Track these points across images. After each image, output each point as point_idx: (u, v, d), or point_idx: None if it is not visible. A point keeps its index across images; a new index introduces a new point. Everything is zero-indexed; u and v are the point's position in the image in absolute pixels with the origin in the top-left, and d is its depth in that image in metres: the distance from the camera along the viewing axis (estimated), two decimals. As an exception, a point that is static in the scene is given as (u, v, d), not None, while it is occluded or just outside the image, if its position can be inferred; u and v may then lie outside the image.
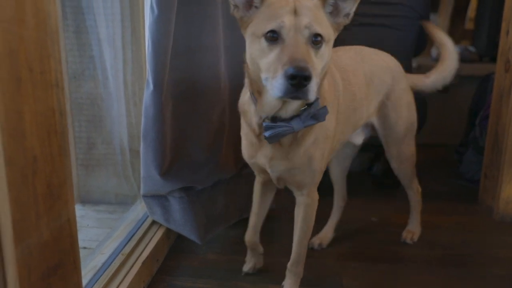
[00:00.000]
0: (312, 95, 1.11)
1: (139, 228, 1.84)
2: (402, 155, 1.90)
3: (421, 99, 2.78)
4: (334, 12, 1.29)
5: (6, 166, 0.81)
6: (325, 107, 1.30)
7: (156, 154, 1.66)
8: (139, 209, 1.97)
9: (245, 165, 1.65)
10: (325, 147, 1.45)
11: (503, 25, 2.34)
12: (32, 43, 0.87)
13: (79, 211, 2.10)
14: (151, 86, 1.58)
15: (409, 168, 1.95)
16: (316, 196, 1.53)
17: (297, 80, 1.07)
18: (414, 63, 3.38)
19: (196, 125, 1.80)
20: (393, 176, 2.04)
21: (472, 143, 2.86)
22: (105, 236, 1.79)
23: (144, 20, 1.92)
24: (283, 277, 1.64)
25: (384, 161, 2.00)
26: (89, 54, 1.98)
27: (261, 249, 1.76)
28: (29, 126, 0.87)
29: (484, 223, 2.32)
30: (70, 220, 1.04)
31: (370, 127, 1.87)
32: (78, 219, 1.14)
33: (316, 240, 1.99)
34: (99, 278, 1.48)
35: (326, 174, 1.86)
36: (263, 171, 1.52)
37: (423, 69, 2.74)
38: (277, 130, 1.28)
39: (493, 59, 2.83)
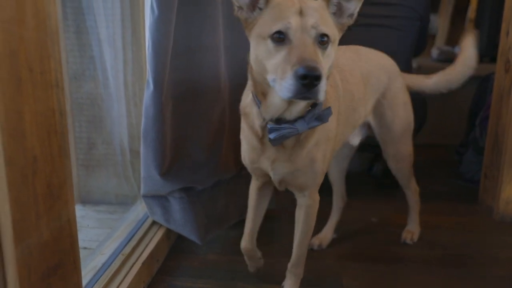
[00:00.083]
0: (321, 95, 1.10)
1: (139, 228, 1.84)
2: (399, 155, 1.90)
3: (421, 99, 2.79)
4: (338, 12, 1.29)
5: (6, 166, 0.81)
6: (329, 108, 1.30)
7: (156, 154, 1.66)
8: (139, 210, 1.97)
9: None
10: (327, 148, 1.45)
11: (503, 25, 2.34)
12: (32, 43, 0.87)
13: (80, 211, 2.10)
14: (151, 87, 1.58)
15: (406, 167, 1.95)
16: (317, 197, 1.53)
17: (308, 80, 1.06)
18: (414, 64, 3.38)
19: (196, 125, 1.80)
20: (392, 177, 2.04)
21: (472, 144, 2.86)
22: (105, 236, 1.79)
23: (144, 21, 1.93)
24: (283, 277, 1.64)
25: (384, 161, 2.00)
26: (90, 54, 1.98)
27: (259, 253, 1.72)
28: (29, 126, 0.87)
29: (484, 223, 2.32)
30: (70, 220, 1.04)
31: (367, 126, 1.87)
32: (78, 219, 1.14)
33: (315, 241, 1.99)
34: (99, 278, 1.48)
35: (325, 174, 1.86)
36: (264, 175, 1.51)
37: (423, 70, 2.75)
38: (281, 132, 1.27)
39: (493, 60, 2.83)
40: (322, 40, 1.18)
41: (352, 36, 2.03)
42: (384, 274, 1.83)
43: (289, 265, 1.62)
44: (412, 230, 2.09)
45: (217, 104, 1.85)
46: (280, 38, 1.15)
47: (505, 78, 2.31)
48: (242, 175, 2.06)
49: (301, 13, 1.17)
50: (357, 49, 1.80)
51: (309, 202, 1.51)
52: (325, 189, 1.71)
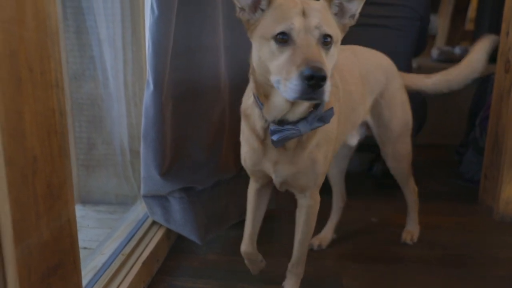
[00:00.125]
0: (327, 96, 1.10)
1: (139, 228, 1.84)
2: (398, 154, 1.90)
3: (421, 99, 2.79)
4: (340, 13, 1.28)
5: (6, 166, 0.82)
6: (331, 109, 1.29)
7: (156, 154, 1.66)
8: (140, 210, 1.97)
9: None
10: (328, 149, 1.44)
11: (503, 26, 2.34)
12: (32, 43, 0.87)
13: (80, 211, 2.10)
14: (151, 87, 1.58)
15: (405, 167, 1.95)
16: (318, 198, 1.53)
17: (314, 81, 1.05)
18: (414, 64, 3.39)
19: (196, 125, 1.80)
20: (392, 176, 2.04)
21: (472, 144, 2.86)
22: (105, 236, 1.79)
23: (144, 21, 1.93)
24: (283, 277, 1.64)
25: (384, 161, 2.00)
26: (90, 54, 1.99)
27: (259, 257, 1.68)
28: (29, 126, 0.87)
29: (484, 223, 2.32)
30: (70, 220, 1.04)
31: (365, 126, 1.87)
32: (78, 219, 1.14)
33: (315, 241, 1.99)
34: (99, 278, 1.48)
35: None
36: (264, 177, 1.51)
37: (423, 70, 2.75)
38: (284, 133, 1.27)
39: (493, 60, 2.84)
40: (326, 40, 1.17)
41: (352, 36, 2.03)
42: (384, 274, 1.83)
43: (290, 265, 1.62)
44: (411, 230, 2.09)
45: (217, 104, 1.85)
46: (283, 39, 1.15)
47: (505, 78, 2.31)
48: (242, 175, 2.06)
49: (304, 14, 1.17)
50: (355, 49, 1.80)
51: (310, 203, 1.51)
52: (325, 189, 1.71)
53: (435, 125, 3.44)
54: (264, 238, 1.78)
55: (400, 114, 1.85)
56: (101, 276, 1.49)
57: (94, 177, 2.16)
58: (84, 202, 2.18)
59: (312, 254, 1.91)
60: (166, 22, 1.53)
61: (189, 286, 1.72)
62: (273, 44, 1.16)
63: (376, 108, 1.81)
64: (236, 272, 1.80)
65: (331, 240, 2.04)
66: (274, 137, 1.28)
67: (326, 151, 1.43)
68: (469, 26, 4.80)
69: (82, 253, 1.18)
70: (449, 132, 3.58)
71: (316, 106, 1.28)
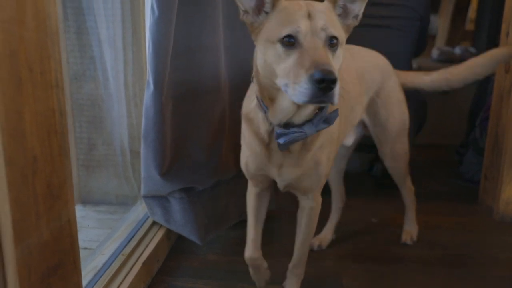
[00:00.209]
0: (336, 98, 1.09)
1: (139, 228, 1.84)
2: (395, 154, 1.90)
3: (422, 100, 2.79)
4: (343, 14, 1.28)
5: (6, 166, 0.82)
6: (336, 110, 1.28)
7: (156, 155, 1.66)
8: (140, 210, 1.97)
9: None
10: (331, 149, 1.44)
11: (503, 26, 2.34)
12: (32, 44, 0.87)
13: (80, 211, 2.11)
14: (151, 87, 1.58)
15: (402, 166, 1.95)
16: (320, 199, 1.53)
17: (325, 84, 1.05)
18: (415, 64, 3.39)
19: (196, 125, 1.80)
20: (392, 177, 2.04)
21: (472, 144, 2.86)
22: (105, 236, 1.80)
23: (144, 21, 1.93)
24: (283, 277, 1.64)
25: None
26: (90, 55, 1.99)
27: (265, 264, 1.63)
28: (29, 126, 0.88)
29: (484, 223, 2.32)
30: (70, 220, 1.05)
31: (362, 126, 1.87)
32: (78, 219, 1.14)
33: (315, 241, 1.99)
34: (99, 278, 1.48)
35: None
36: (265, 181, 1.51)
37: (424, 70, 2.75)
38: (290, 136, 1.25)
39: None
40: (332, 42, 1.16)
41: (352, 36, 2.03)
42: (384, 274, 1.83)
43: (290, 265, 1.62)
44: (410, 230, 2.09)
45: (217, 104, 1.85)
46: (290, 42, 1.14)
47: (505, 79, 2.31)
48: (242, 175, 2.05)
49: (309, 16, 1.16)
50: (350, 48, 1.79)
51: (312, 204, 1.51)
52: (325, 190, 1.71)
53: (435, 125, 3.44)
54: (264, 238, 1.78)
55: (397, 114, 1.85)
56: (101, 276, 1.50)
57: (95, 177, 2.16)
58: (85, 202, 2.19)
59: (312, 255, 1.91)
60: (166, 22, 1.53)
61: (189, 287, 1.72)
62: (279, 47, 1.15)
63: (372, 107, 1.81)
64: (236, 272, 1.80)
65: (331, 240, 2.04)
66: (281, 140, 1.26)
67: (329, 152, 1.43)
68: (469, 26, 4.80)
69: (82, 253, 1.18)
70: (449, 132, 3.58)
71: (321, 108, 1.27)
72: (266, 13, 1.22)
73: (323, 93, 1.06)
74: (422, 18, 2.60)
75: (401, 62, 2.13)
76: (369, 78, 1.75)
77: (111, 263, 1.57)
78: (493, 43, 3.45)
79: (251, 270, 1.64)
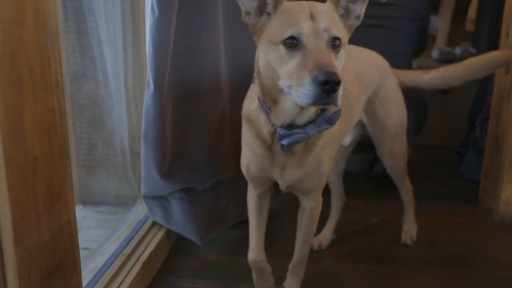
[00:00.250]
0: (340, 100, 1.08)
1: (139, 229, 1.84)
2: (393, 153, 1.90)
3: (422, 100, 2.79)
4: (345, 14, 1.27)
5: (6, 166, 0.82)
6: (339, 110, 1.28)
7: (156, 155, 1.66)
8: (140, 210, 1.97)
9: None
10: (333, 149, 1.44)
11: (503, 27, 2.34)
12: (32, 44, 0.88)
13: (80, 211, 2.11)
14: (151, 87, 1.58)
15: (401, 166, 1.95)
16: (321, 199, 1.53)
17: (329, 86, 1.04)
18: (415, 64, 3.39)
19: (196, 125, 1.80)
20: (392, 176, 2.04)
21: (472, 144, 2.86)
22: (105, 237, 1.80)
23: (145, 22, 1.93)
24: (283, 277, 1.64)
25: (383, 161, 2.00)
26: (90, 55, 1.99)
27: (269, 268, 1.61)
28: (29, 127, 0.88)
29: (484, 223, 2.32)
30: (70, 220, 1.05)
31: (360, 125, 1.87)
32: (78, 219, 1.14)
33: (315, 242, 2.00)
34: (99, 279, 1.48)
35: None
36: (266, 183, 1.50)
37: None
38: (293, 137, 1.25)
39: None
40: (335, 43, 1.16)
41: (352, 36, 2.04)
42: (384, 274, 1.83)
43: (290, 265, 1.62)
44: (409, 230, 2.09)
45: (217, 104, 1.85)
46: (293, 43, 1.13)
47: (505, 79, 2.31)
48: (242, 175, 2.06)
49: (312, 17, 1.15)
50: (348, 48, 1.79)
51: (313, 205, 1.51)
52: (324, 190, 1.71)
53: (435, 126, 3.44)
54: (264, 238, 1.78)
55: (395, 113, 1.85)
56: (101, 276, 1.50)
57: (95, 177, 2.16)
58: (85, 202, 2.19)
59: (312, 255, 1.91)
60: (167, 23, 1.53)
61: (189, 287, 1.72)
62: (282, 49, 1.14)
63: (370, 107, 1.81)
64: (236, 272, 1.80)
65: (331, 240, 2.04)
66: (284, 142, 1.25)
67: (330, 152, 1.43)
68: (469, 26, 4.80)
69: (83, 254, 1.18)
70: (449, 132, 3.58)
71: (323, 109, 1.27)
72: (268, 14, 1.21)
73: (327, 95, 1.05)
74: (422, 18, 2.60)
75: (401, 63, 2.13)
76: (367, 78, 1.75)
77: (111, 263, 1.58)
78: (493, 43, 3.45)
79: (254, 276, 1.61)
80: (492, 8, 3.64)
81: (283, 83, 1.15)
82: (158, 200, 1.83)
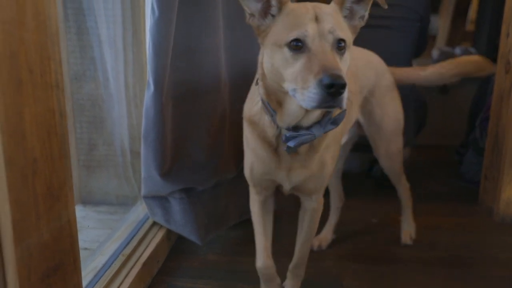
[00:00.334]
0: (345, 103, 1.08)
1: (139, 229, 1.84)
2: (390, 153, 1.90)
3: (422, 101, 2.79)
4: (349, 15, 1.26)
5: (6, 166, 0.82)
6: (344, 111, 1.27)
7: (156, 155, 1.66)
8: (140, 210, 1.97)
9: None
10: (335, 149, 1.45)
11: (503, 27, 2.34)
12: (32, 45, 0.88)
13: (80, 212, 2.11)
14: (152, 88, 1.58)
15: (397, 164, 1.95)
16: (322, 200, 1.53)
17: (335, 89, 1.03)
18: (415, 64, 3.39)
19: (196, 126, 1.80)
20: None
21: (472, 144, 2.86)
22: (105, 237, 1.80)
23: (145, 22, 1.93)
24: (283, 277, 1.64)
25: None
26: (90, 55, 1.99)
27: (278, 280, 1.58)
28: (29, 127, 0.88)
29: (484, 224, 2.32)
30: (70, 220, 1.05)
31: (356, 125, 1.87)
32: (79, 220, 1.14)
33: (315, 242, 2.00)
34: (99, 279, 1.48)
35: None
36: (270, 187, 1.50)
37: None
38: (299, 139, 1.24)
39: (494, 61, 2.84)
40: (340, 45, 1.15)
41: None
42: (384, 274, 1.83)
43: (291, 266, 1.62)
44: (408, 230, 2.09)
45: (217, 104, 1.85)
46: (297, 46, 1.12)
47: (505, 79, 2.31)
48: (242, 175, 2.06)
49: (316, 19, 1.14)
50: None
51: (315, 206, 1.51)
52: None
53: (435, 126, 3.44)
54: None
55: (392, 113, 1.85)
56: (101, 276, 1.50)
57: (95, 177, 2.16)
58: (85, 202, 2.19)
59: (312, 255, 1.91)
60: (167, 23, 1.53)
61: (189, 287, 1.72)
62: (286, 51, 1.13)
63: (367, 107, 1.81)
64: (236, 272, 1.80)
65: (331, 241, 2.04)
66: (291, 144, 1.24)
67: (334, 152, 1.43)
68: (469, 27, 4.79)
69: (83, 254, 1.18)
70: (449, 132, 3.58)
71: (328, 110, 1.26)
72: (273, 16, 1.20)
73: (332, 98, 1.04)
74: (422, 19, 2.60)
75: (401, 63, 2.13)
76: (363, 77, 1.74)
77: (111, 263, 1.58)
78: (493, 43, 3.46)
79: (262, 283, 1.58)
80: (492, 8, 3.65)
81: (287, 86, 1.14)
82: (158, 200, 1.83)
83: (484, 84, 3.03)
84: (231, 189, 2.05)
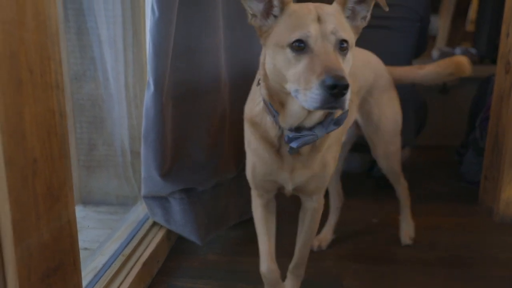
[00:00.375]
0: (347, 104, 1.07)
1: (139, 229, 1.84)
2: (389, 153, 1.90)
3: (422, 101, 2.79)
4: (351, 16, 1.26)
5: (6, 166, 0.82)
6: (346, 111, 1.26)
7: (156, 155, 1.66)
8: (140, 210, 1.97)
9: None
10: (337, 149, 1.45)
11: (503, 27, 2.34)
12: (32, 45, 0.88)
13: (80, 212, 2.11)
14: (152, 88, 1.58)
15: (396, 164, 1.95)
16: (323, 200, 1.52)
17: (337, 90, 1.03)
18: (415, 65, 3.39)
19: (196, 126, 1.80)
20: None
21: (472, 144, 2.86)
22: (105, 237, 1.80)
23: (145, 22, 1.93)
24: (284, 277, 1.64)
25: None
26: (90, 55, 1.99)
27: (282, 285, 1.56)
28: (29, 127, 0.88)
29: (484, 224, 2.32)
30: (70, 221, 1.05)
31: (354, 126, 1.87)
32: (79, 220, 1.14)
33: (315, 242, 2.00)
34: (99, 279, 1.48)
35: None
36: (272, 190, 1.49)
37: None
38: (302, 139, 1.24)
39: (494, 61, 2.84)
40: (342, 46, 1.14)
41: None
42: (385, 274, 1.83)
43: (291, 266, 1.62)
44: (408, 230, 2.09)
45: (217, 104, 1.85)
46: (300, 47, 1.11)
47: (505, 80, 2.31)
48: (242, 175, 2.06)
49: (319, 19, 1.13)
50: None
51: (316, 206, 1.51)
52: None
53: (435, 126, 3.44)
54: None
55: (390, 113, 1.85)
56: (101, 277, 1.50)
57: (95, 177, 2.16)
58: (85, 202, 2.19)
59: (312, 255, 1.91)
60: (167, 23, 1.53)
61: (189, 287, 1.72)
62: (289, 52, 1.13)
63: (365, 107, 1.80)
64: (236, 272, 1.80)
65: (331, 241, 2.04)
66: (293, 144, 1.24)
67: (335, 152, 1.43)
68: (469, 27, 4.79)
69: (83, 254, 1.18)
70: (449, 133, 3.58)
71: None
72: (275, 16, 1.20)
73: (334, 99, 1.04)
74: (422, 19, 2.60)
75: (401, 63, 2.13)
76: (361, 77, 1.73)
77: (111, 263, 1.58)
78: (493, 44, 3.46)
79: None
80: (492, 8, 3.65)
81: (290, 87, 1.14)
82: (158, 200, 1.83)
83: (484, 84, 3.03)
84: (231, 189, 2.05)
